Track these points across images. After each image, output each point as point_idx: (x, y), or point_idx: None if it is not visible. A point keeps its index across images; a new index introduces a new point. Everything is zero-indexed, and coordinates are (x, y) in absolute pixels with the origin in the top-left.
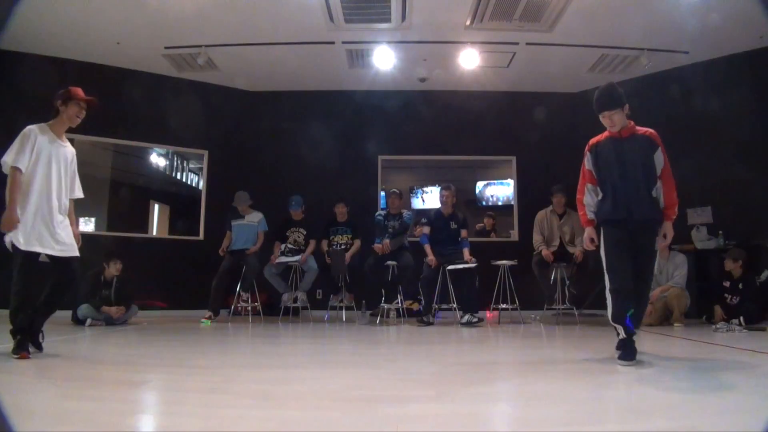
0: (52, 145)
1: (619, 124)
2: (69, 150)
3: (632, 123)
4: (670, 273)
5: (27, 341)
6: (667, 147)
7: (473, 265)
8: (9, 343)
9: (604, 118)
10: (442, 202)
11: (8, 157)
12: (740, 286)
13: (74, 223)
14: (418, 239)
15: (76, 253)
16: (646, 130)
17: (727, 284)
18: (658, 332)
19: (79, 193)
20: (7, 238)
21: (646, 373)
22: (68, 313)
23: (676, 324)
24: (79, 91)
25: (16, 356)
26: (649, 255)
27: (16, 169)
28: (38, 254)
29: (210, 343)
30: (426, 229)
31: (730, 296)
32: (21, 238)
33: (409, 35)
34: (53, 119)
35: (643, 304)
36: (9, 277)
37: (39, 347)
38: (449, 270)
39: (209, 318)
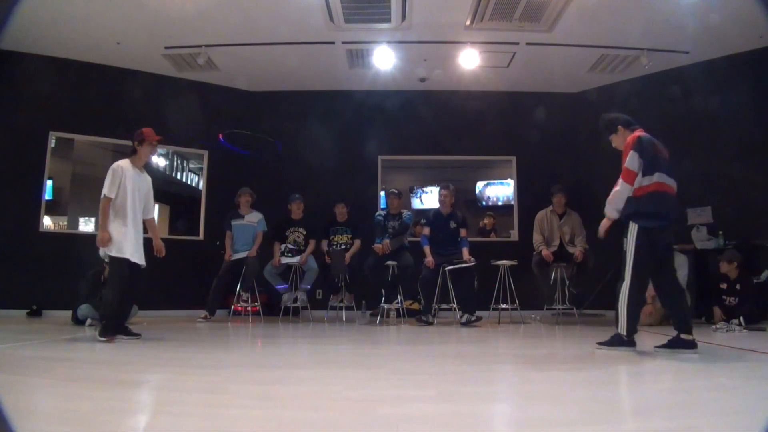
0: (134, 176)
1: (620, 147)
2: (146, 179)
3: (626, 139)
4: None
5: (114, 328)
6: (667, 147)
7: (471, 264)
8: (9, 344)
9: None
10: (440, 201)
11: (105, 189)
12: (738, 287)
13: (156, 236)
14: (418, 239)
15: (142, 262)
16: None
17: (724, 286)
18: (658, 332)
19: (152, 214)
20: (102, 252)
21: (646, 373)
22: (68, 313)
23: None
24: (151, 133)
25: (103, 339)
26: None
27: (107, 198)
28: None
29: (210, 343)
30: (426, 230)
31: (728, 298)
32: (114, 249)
33: (409, 35)
34: (132, 155)
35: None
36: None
37: (134, 334)
38: (448, 270)
39: (205, 318)
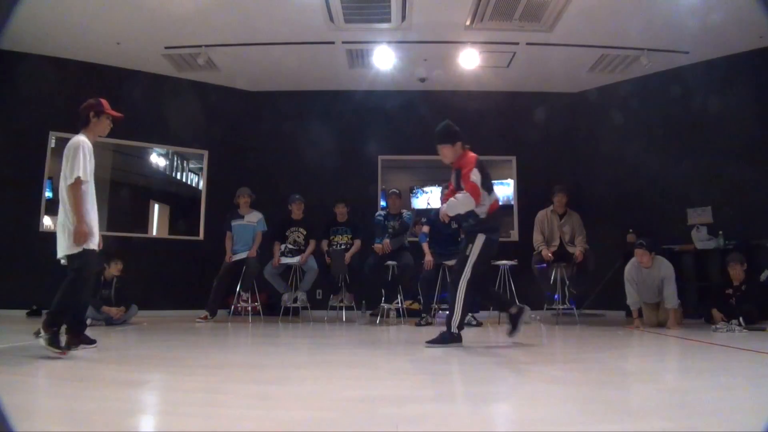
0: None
1: (448, 158)
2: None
3: (463, 154)
4: (656, 286)
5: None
6: (667, 147)
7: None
8: (9, 344)
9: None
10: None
11: (77, 170)
12: (743, 288)
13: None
14: (417, 239)
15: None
16: (462, 159)
17: (729, 291)
18: (657, 332)
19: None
20: (78, 248)
21: (646, 373)
22: None
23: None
24: (108, 105)
25: (59, 351)
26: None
27: (80, 181)
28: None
29: (210, 343)
30: (425, 228)
31: (732, 298)
32: (90, 242)
33: (409, 35)
34: (83, 128)
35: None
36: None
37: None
38: (447, 266)
39: (205, 318)
